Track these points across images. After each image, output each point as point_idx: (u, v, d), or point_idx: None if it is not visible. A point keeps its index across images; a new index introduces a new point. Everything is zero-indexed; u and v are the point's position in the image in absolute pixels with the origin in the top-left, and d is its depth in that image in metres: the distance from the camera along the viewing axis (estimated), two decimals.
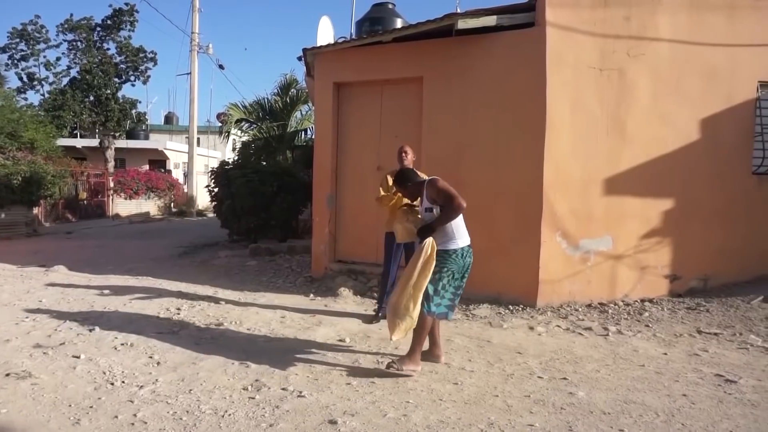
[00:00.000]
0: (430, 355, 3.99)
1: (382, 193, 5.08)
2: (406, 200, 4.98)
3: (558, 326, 5.07)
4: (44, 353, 4.08)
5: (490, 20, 5.59)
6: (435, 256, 3.63)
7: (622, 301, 5.74)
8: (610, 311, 5.50)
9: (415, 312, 3.62)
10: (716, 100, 6.02)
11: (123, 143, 23.09)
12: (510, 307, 5.59)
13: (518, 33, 5.71)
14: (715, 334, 4.84)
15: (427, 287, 3.64)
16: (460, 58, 6.00)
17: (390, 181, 5.15)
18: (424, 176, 4.22)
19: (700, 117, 5.97)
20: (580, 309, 5.56)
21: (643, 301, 5.78)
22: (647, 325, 5.09)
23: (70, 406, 3.19)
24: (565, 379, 3.73)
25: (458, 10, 5.91)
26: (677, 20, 5.87)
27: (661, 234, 5.90)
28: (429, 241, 3.66)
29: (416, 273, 3.62)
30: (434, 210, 3.75)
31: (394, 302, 3.73)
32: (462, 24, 5.50)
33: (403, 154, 5.05)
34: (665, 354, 4.32)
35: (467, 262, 3.77)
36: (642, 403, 3.33)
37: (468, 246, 3.78)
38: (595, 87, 5.68)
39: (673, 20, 5.86)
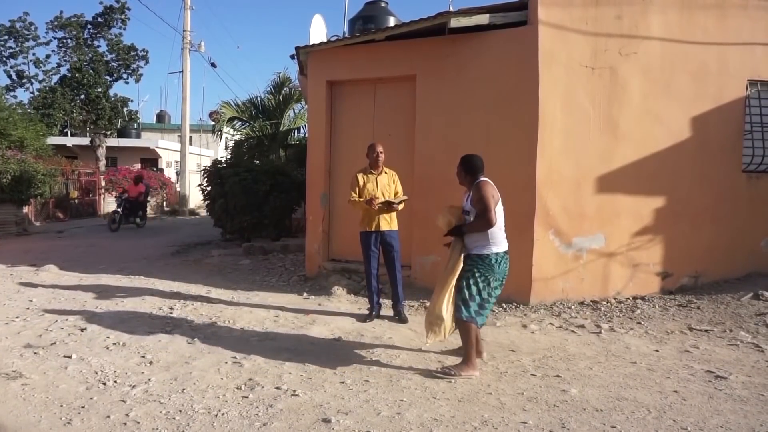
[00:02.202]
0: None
1: (353, 196, 5.11)
2: (383, 198, 5.00)
3: (551, 324, 5.09)
4: (35, 353, 4.04)
5: (483, 19, 5.60)
6: (462, 259, 3.72)
7: (615, 299, 5.78)
8: (602, 309, 5.53)
9: (446, 313, 3.71)
10: (706, 98, 6.07)
11: (114, 142, 22.90)
12: (503, 305, 5.60)
13: (511, 31, 5.72)
14: (706, 330, 4.88)
15: (463, 293, 3.67)
16: (453, 57, 6.01)
17: (361, 181, 5.14)
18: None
19: (691, 115, 6.01)
20: (572, 307, 5.59)
21: (635, 298, 5.82)
22: (639, 323, 5.13)
23: (61, 406, 3.16)
24: (558, 376, 3.75)
25: (451, 9, 5.92)
26: (668, 19, 5.91)
27: (653, 232, 5.94)
28: (456, 245, 3.76)
29: (446, 275, 3.74)
30: (471, 215, 3.75)
31: (429, 308, 3.86)
32: (455, 22, 5.51)
33: (377, 155, 5.09)
34: (657, 351, 4.35)
35: (503, 268, 3.74)
36: (634, 400, 3.36)
37: (504, 252, 3.75)
38: (587, 85, 5.71)
39: (664, 19, 5.90)
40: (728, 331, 4.86)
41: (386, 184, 5.15)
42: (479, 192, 3.67)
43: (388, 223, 5.14)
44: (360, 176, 5.16)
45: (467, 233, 3.72)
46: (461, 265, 3.71)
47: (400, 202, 5.07)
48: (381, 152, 5.10)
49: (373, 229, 5.13)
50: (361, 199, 5.05)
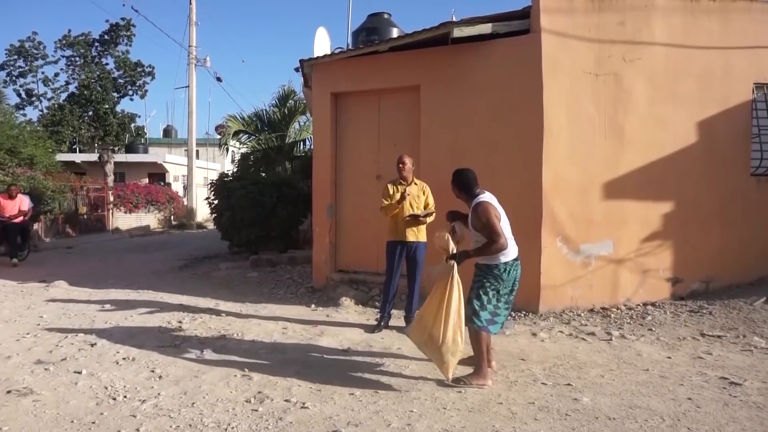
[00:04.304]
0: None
1: (385, 202, 5.09)
2: (411, 210, 5.01)
3: (561, 332, 5.05)
4: (46, 369, 4.06)
5: (486, 28, 5.63)
6: (457, 284, 3.63)
7: (625, 306, 5.73)
8: (612, 316, 5.49)
9: (462, 341, 3.61)
10: (712, 102, 6.05)
11: (122, 157, 23.13)
12: (512, 313, 5.56)
13: (514, 40, 5.74)
14: (719, 336, 4.82)
15: (473, 303, 3.64)
16: (457, 66, 6.03)
17: (391, 190, 5.17)
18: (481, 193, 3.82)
19: (697, 120, 5.99)
20: (582, 314, 5.55)
21: (645, 304, 5.76)
22: (650, 329, 5.08)
23: (72, 422, 3.17)
24: (569, 385, 3.72)
25: (454, 19, 5.95)
26: (671, 24, 5.91)
27: (662, 237, 5.90)
28: (454, 274, 3.64)
29: (453, 305, 3.59)
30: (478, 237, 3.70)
31: (438, 339, 3.57)
32: (458, 32, 5.54)
33: (401, 165, 5.08)
34: (669, 358, 4.30)
35: (512, 276, 3.69)
36: (647, 408, 3.32)
37: (513, 260, 3.69)
38: (591, 92, 5.70)
39: (668, 24, 5.90)
40: (742, 336, 4.80)
41: (415, 195, 5.14)
42: (482, 218, 3.59)
43: (415, 234, 5.12)
44: (390, 186, 5.18)
45: (474, 256, 3.69)
46: (460, 289, 3.63)
47: (426, 215, 5.06)
48: (404, 163, 5.09)
49: (398, 239, 5.13)
50: (393, 201, 5.00)
